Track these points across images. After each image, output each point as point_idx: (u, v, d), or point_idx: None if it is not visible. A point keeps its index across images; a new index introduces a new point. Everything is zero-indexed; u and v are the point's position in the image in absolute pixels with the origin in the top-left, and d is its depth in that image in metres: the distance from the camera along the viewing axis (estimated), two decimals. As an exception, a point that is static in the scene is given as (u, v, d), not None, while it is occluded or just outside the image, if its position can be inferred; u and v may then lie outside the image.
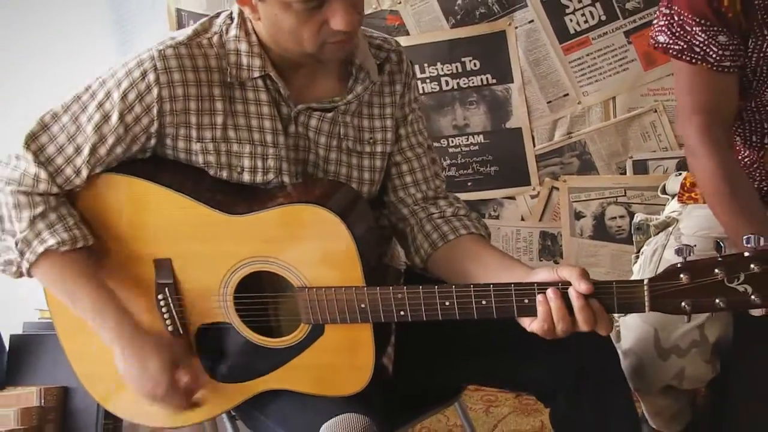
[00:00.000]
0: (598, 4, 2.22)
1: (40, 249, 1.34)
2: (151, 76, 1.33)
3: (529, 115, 2.38)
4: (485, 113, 2.40)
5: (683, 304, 1.18)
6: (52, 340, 1.82)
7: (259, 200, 1.39)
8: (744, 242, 1.17)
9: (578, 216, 2.43)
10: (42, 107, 1.40)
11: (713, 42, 1.56)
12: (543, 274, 1.28)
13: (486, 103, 2.39)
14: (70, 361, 1.54)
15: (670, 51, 1.61)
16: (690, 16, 1.57)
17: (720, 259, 1.17)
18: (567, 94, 2.33)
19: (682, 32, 1.59)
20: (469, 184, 2.48)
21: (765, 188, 1.71)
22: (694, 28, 1.57)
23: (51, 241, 1.33)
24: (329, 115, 1.45)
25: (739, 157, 1.72)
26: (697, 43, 1.58)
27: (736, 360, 1.69)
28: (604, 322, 1.21)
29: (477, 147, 2.45)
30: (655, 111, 2.26)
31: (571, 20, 2.25)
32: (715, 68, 1.58)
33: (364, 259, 1.31)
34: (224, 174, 1.40)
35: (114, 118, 1.34)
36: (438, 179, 1.60)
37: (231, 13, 1.42)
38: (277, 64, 1.40)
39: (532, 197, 2.46)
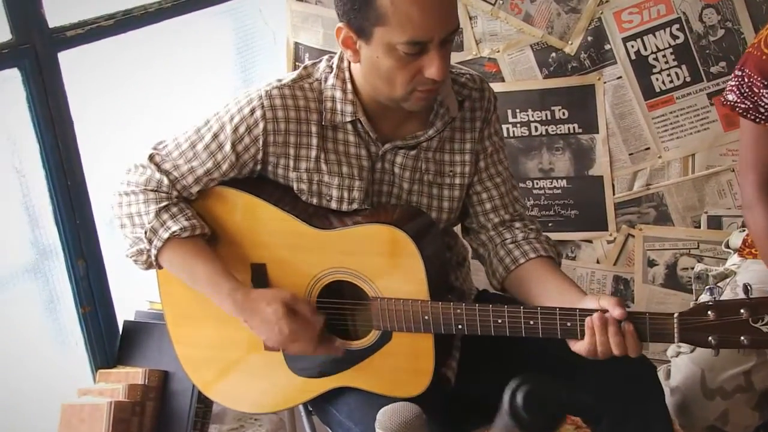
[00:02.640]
0: (684, 66, 2.34)
1: (166, 235, 1.57)
2: (259, 113, 1.56)
3: (611, 165, 2.51)
4: (570, 159, 2.55)
5: (710, 338, 1.32)
6: (159, 328, 2.06)
7: (345, 218, 1.60)
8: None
9: (651, 264, 2.54)
10: (167, 131, 1.67)
11: (777, 104, 1.69)
12: (588, 301, 1.44)
13: (571, 150, 2.54)
14: (174, 347, 1.76)
15: (737, 109, 1.75)
16: (759, 78, 1.71)
17: (746, 300, 1.30)
18: (648, 148, 2.45)
19: (749, 93, 1.72)
20: (550, 225, 2.62)
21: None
22: (761, 90, 1.70)
23: (175, 227, 1.56)
24: (413, 152, 1.63)
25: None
26: (763, 104, 1.71)
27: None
28: (634, 346, 1.36)
29: (560, 191, 2.59)
30: (732, 170, 2.36)
31: (657, 79, 2.38)
32: None
33: (430, 277, 1.49)
34: (314, 200, 1.61)
35: (227, 147, 1.57)
36: (517, 203, 1.75)
37: (331, 62, 1.63)
38: (368, 109, 1.60)
39: (609, 242, 2.58)
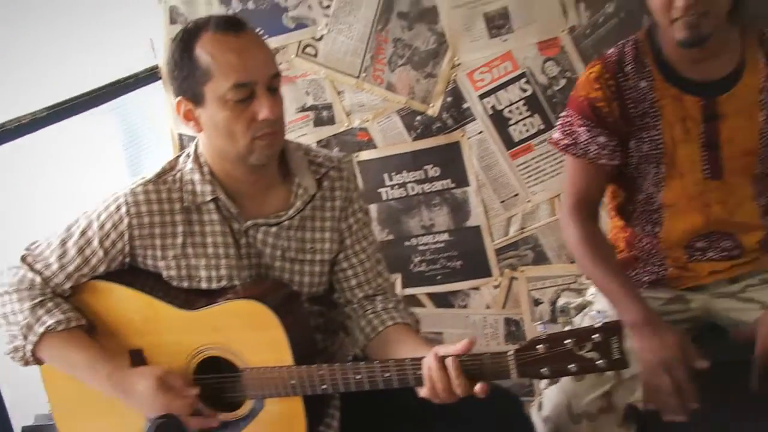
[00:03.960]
0: (536, 115, 2.52)
1: (41, 330, 1.65)
2: (123, 210, 1.68)
3: (486, 214, 2.66)
4: (448, 214, 2.69)
5: (543, 370, 1.44)
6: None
7: (214, 296, 1.70)
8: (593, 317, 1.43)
9: (537, 303, 2.68)
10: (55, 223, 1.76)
11: (593, 141, 1.87)
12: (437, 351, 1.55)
13: (448, 204, 2.69)
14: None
15: (560, 144, 1.94)
16: (577, 117, 1.89)
17: (570, 331, 1.43)
18: (517, 194, 2.61)
19: (570, 131, 1.91)
20: (439, 277, 2.75)
21: (662, 273, 1.97)
22: (580, 129, 1.88)
23: (50, 321, 1.65)
24: (273, 229, 1.74)
25: (640, 245, 1.99)
26: (581, 140, 1.89)
27: (650, 424, 1.91)
28: (464, 386, 1.45)
29: (443, 244, 2.73)
30: (594, 206, 2.54)
31: (514, 130, 2.55)
32: (591, 163, 1.89)
33: (294, 345, 1.59)
34: (185, 284, 1.71)
35: (95, 243, 1.68)
36: (380, 278, 1.85)
37: (189, 151, 1.75)
38: (228, 188, 1.72)
39: (495, 287, 2.72)
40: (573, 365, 1.41)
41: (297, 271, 1.78)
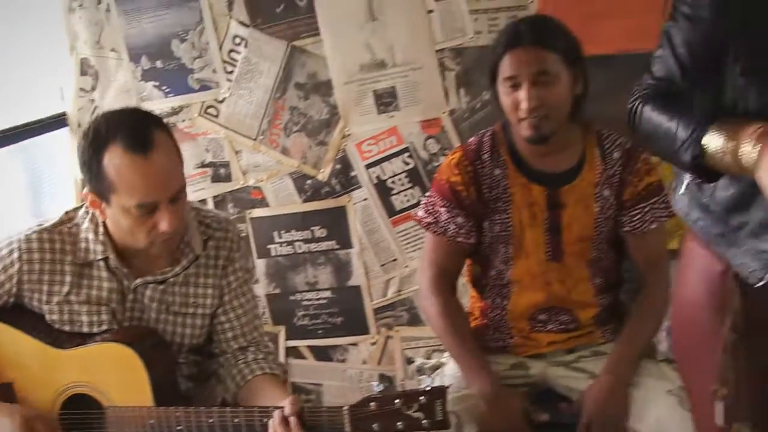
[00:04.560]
0: (416, 187, 2.74)
1: None
2: (16, 255, 1.81)
3: (366, 275, 2.85)
4: (331, 273, 2.87)
5: (374, 425, 1.59)
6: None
7: (86, 338, 1.82)
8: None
9: (410, 361, 2.86)
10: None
11: (452, 222, 2.07)
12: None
13: (332, 264, 2.87)
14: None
15: (423, 222, 2.13)
16: (439, 198, 2.09)
17: (401, 392, 1.60)
18: (396, 259, 2.81)
19: (433, 210, 2.10)
20: (320, 332, 2.92)
21: (508, 341, 2.16)
22: (441, 209, 2.09)
23: None
24: (161, 287, 1.86)
25: (491, 315, 2.18)
26: (441, 219, 2.09)
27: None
28: None
29: (325, 300, 2.90)
30: (464, 274, 2.75)
31: (396, 199, 2.77)
32: (450, 240, 2.09)
33: (155, 387, 1.73)
34: (66, 328, 1.82)
35: None
36: (255, 332, 1.98)
37: (88, 211, 1.85)
38: (119, 248, 1.83)
39: (372, 344, 2.90)
40: (401, 423, 1.56)
41: (180, 323, 1.90)
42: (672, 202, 1.75)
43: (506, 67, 1.94)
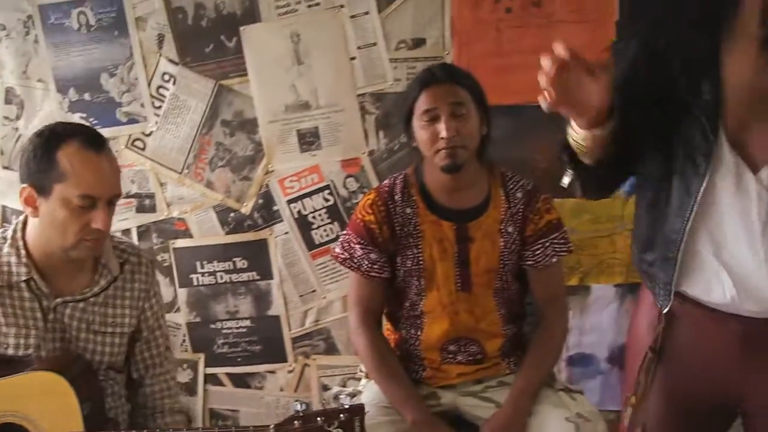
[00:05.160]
0: (335, 223, 2.89)
1: None
2: None
3: (286, 306, 2.97)
4: (251, 303, 2.98)
5: (299, 443, 1.72)
6: None
7: (17, 366, 1.89)
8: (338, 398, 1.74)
9: (325, 388, 2.99)
10: None
11: (366, 258, 2.22)
12: None
13: (252, 294, 2.98)
14: None
15: (339, 258, 2.27)
16: (355, 236, 2.24)
17: (322, 410, 1.73)
18: (314, 291, 2.94)
19: (349, 247, 2.25)
20: (239, 360, 3.01)
21: (421, 372, 2.30)
22: (356, 246, 2.23)
23: None
24: (81, 305, 1.97)
25: (405, 347, 2.33)
26: (356, 256, 2.23)
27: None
28: None
29: (245, 329, 3.00)
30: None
31: (316, 233, 2.91)
32: (364, 275, 2.24)
33: (85, 413, 1.81)
34: None
35: None
36: (167, 351, 2.13)
37: (6, 233, 1.96)
38: (42, 268, 1.93)
39: (289, 372, 3.01)
40: (323, 440, 1.71)
41: (99, 341, 2.00)
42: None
43: (423, 102, 2.13)
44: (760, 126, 1.38)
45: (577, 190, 1.62)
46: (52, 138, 1.87)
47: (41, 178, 1.85)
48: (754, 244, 1.41)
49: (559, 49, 1.26)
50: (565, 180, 1.54)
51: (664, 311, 1.55)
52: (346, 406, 1.70)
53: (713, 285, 1.48)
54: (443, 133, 2.09)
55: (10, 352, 1.91)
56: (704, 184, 1.41)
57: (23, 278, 1.91)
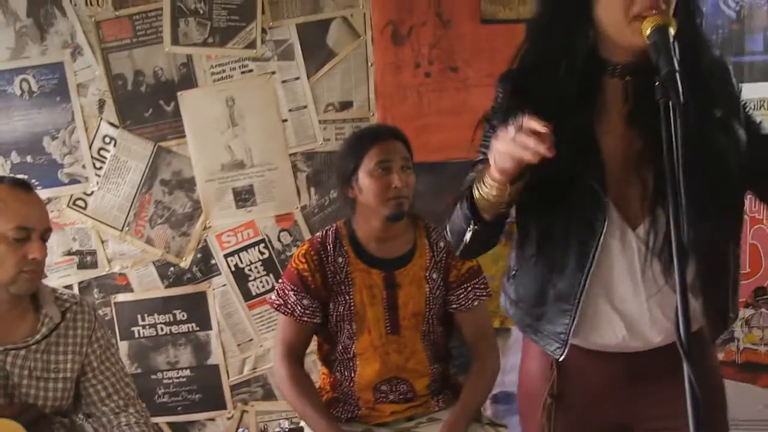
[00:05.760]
0: (271, 275, 3.06)
1: None
2: None
3: (224, 355, 3.11)
4: (191, 352, 3.11)
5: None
6: None
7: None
8: None
9: (264, 433, 3.13)
10: None
11: (299, 303, 2.40)
12: None
13: (192, 345, 3.11)
14: None
15: (274, 304, 2.45)
16: (289, 284, 2.42)
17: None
18: (252, 339, 3.10)
19: (283, 294, 2.43)
20: (179, 408, 3.13)
21: (356, 411, 2.46)
22: (290, 293, 2.41)
23: None
24: (22, 352, 2.07)
25: (341, 389, 2.49)
26: (290, 302, 2.41)
27: None
28: None
29: (185, 379, 3.13)
30: (313, 352, 3.07)
31: (253, 285, 3.08)
32: (297, 320, 2.41)
33: (41, 456, 1.94)
34: None
35: None
36: (128, 388, 2.25)
37: None
38: None
39: (228, 419, 3.14)
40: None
41: (42, 387, 2.11)
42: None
43: (376, 154, 2.33)
44: (634, 189, 1.59)
45: (461, 246, 1.67)
46: None
47: None
48: (637, 289, 1.62)
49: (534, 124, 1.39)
50: (468, 236, 1.62)
51: (560, 359, 1.71)
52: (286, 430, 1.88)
53: (607, 329, 1.67)
54: (397, 183, 2.30)
55: (-44, 402, 2.02)
56: (600, 243, 1.63)
57: None
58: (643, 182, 1.54)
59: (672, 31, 1.38)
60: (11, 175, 2.99)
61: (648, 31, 1.39)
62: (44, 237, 2.07)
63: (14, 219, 2.00)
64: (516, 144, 1.38)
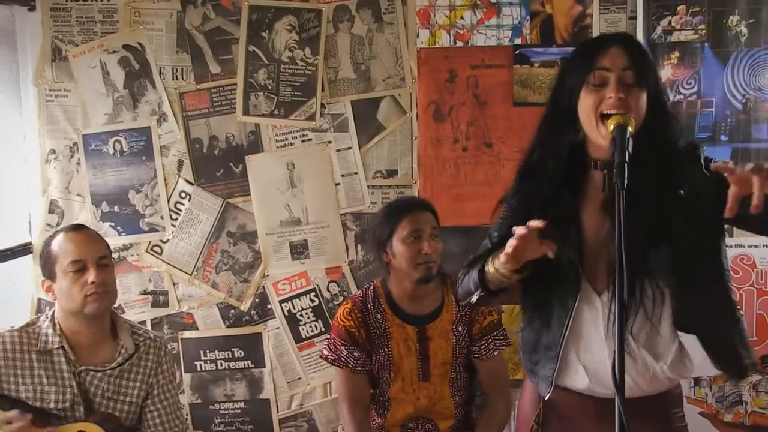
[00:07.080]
0: (320, 320, 3.43)
1: None
2: None
3: (275, 390, 3.47)
4: (246, 387, 3.48)
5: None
6: None
7: (54, 419, 2.37)
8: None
9: (306, 465, 3.47)
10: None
11: (351, 356, 2.73)
12: None
13: (247, 380, 3.48)
14: None
15: (329, 359, 2.78)
16: (338, 339, 2.76)
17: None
18: (300, 378, 3.46)
19: (335, 349, 2.76)
20: (232, 438, 3.50)
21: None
22: (341, 347, 2.75)
23: None
24: (99, 374, 2.46)
25: (374, 425, 2.83)
26: (342, 355, 2.75)
27: None
28: None
29: (239, 411, 3.49)
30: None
31: (303, 329, 3.44)
32: (352, 371, 2.74)
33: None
34: (37, 404, 2.39)
35: None
36: (178, 420, 2.59)
37: (48, 314, 2.49)
38: (70, 341, 2.44)
39: (279, 450, 3.49)
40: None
41: (112, 407, 2.48)
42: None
43: (409, 224, 2.65)
44: (602, 262, 1.90)
45: (465, 301, 2.08)
46: (48, 240, 2.50)
47: (48, 267, 2.45)
48: (601, 346, 1.93)
49: (535, 223, 1.76)
50: (474, 298, 2.01)
51: (546, 398, 2.04)
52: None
53: (575, 376, 1.98)
54: (426, 250, 2.63)
55: (51, 406, 2.40)
56: (575, 306, 1.93)
57: (56, 346, 2.43)
58: (610, 256, 1.86)
59: (630, 129, 1.71)
60: (99, 221, 3.45)
61: (611, 128, 1.74)
62: (100, 263, 2.44)
63: (69, 256, 2.41)
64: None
